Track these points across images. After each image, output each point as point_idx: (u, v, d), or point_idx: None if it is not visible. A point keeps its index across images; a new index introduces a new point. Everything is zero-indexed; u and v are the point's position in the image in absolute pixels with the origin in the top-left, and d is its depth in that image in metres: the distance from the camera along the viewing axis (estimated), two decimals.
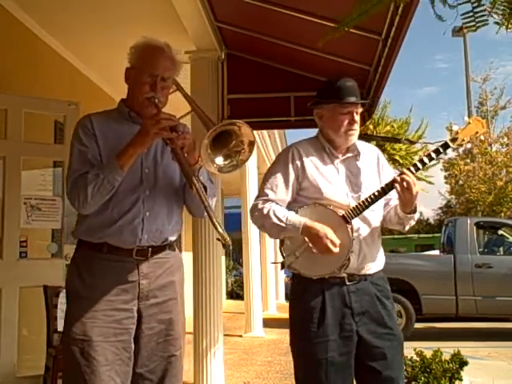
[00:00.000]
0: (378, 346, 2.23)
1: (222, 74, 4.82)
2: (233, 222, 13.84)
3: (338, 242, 2.16)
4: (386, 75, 4.10)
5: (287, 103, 4.77)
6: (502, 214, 17.35)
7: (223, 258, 12.97)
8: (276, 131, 10.31)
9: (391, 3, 2.70)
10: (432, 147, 2.33)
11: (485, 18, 1.56)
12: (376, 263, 2.32)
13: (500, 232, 9.36)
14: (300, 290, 2.28)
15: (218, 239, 1.93)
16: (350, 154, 2.35)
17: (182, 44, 4.62)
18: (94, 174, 1.95)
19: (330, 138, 2.33)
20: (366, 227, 2.28)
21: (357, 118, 2.30)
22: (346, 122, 2.28)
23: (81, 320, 1.96)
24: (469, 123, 2.32)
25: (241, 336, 8.08)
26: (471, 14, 1.57)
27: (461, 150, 19.51)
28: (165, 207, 2.10)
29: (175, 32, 4.53)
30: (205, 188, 2.04)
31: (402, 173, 2.23)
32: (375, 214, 2.31)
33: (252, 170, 8.95)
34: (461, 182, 19.74)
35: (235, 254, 18.50)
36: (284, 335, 8.12)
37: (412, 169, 2.25)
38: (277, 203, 2.27)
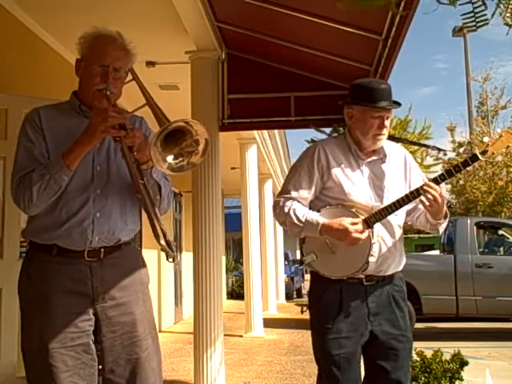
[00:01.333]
0: (391, 348, 2.26)
1: (222, 74, 4.83)
2: (233, 222, 13.87)
3: (359, 226, 2.17)
4: (386, 75, 4.09)
5: (287, 103, 4.77)
6: (502, 214, 17.31)
7: (223, 257, 12.96)
8: (276, 131, 10.30)
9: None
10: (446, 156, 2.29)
11: (485, 17, 1.55)
12: (395, 265, 2.34)
13: (500, 232, 9.36)
14: (319, 288, 2.31)
15: (162, 250, 1.85)
16: (375, 157, 2.34)
17: (182, 44, 4.64)
18: (40, 173, 1.85)
19: (358, 140, 2.32)
20: (387, 231, 2.29)
21: (387, 122, 2.28)
22: (375, 126, 2.26)
23: (36, 328, 1.89)
24: (500, 136, 2.25)
25: (241, 336, 8.09)
26: (471, 13, 1.56)
27: (461, 149, 19.49)
28: (118, 206, 1.98)
29: (175, 32, 4.53)
30: (159, 187, 1.97)
31: (425, 184, 2.21)
32: (397, 218, 2.32)
33: (252, 170, 8.94)
34: (461, 182, 19.71)
35: (235, 253, 18.51)
36: (284, 335, 8.12)
37: (438, 179, 2.22)
38: (298, 201, 2.29)
